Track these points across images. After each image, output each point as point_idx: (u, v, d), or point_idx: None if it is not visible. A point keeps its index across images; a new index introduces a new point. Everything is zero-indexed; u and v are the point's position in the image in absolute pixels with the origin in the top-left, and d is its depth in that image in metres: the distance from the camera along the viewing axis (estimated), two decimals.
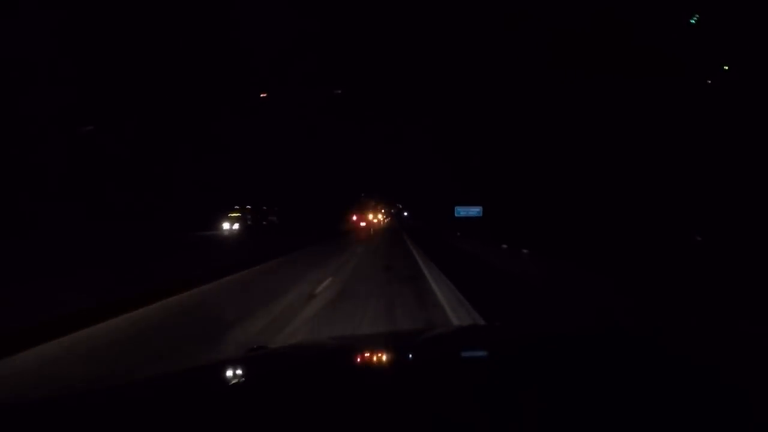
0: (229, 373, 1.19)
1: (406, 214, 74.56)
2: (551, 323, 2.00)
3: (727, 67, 9.53)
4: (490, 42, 16.66)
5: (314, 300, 5.63)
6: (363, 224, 44.87)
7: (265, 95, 17.27)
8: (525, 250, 11.57)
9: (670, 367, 0.97)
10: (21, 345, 3.56)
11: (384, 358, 1.33)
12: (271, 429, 0.75)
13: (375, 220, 63.58)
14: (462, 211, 25.27)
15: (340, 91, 21.27)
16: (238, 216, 29.72)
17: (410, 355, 1.33)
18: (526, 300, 5.63)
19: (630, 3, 10.74)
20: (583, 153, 13.44)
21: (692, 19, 9.66)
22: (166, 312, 5.03)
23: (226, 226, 27.18)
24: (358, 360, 1.33)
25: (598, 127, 12.56)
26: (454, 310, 5.02)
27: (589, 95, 12.63)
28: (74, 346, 3.77)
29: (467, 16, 16.09)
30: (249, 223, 30.84)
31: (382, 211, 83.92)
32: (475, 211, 25.17)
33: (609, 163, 12.32)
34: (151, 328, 4.32)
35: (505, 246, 13.18)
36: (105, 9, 10.75)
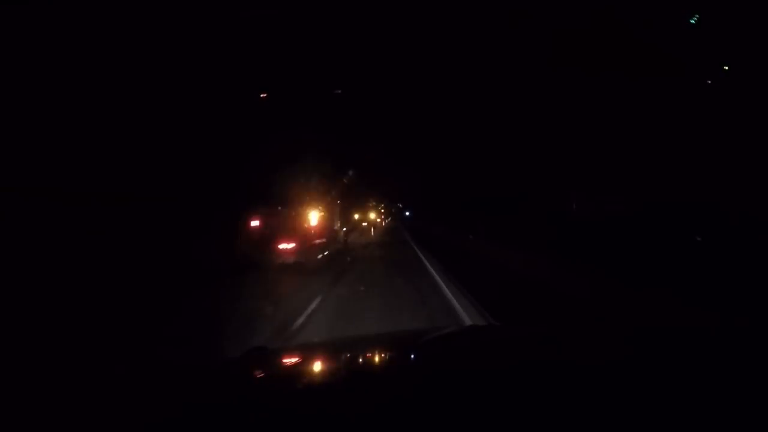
0: (229, 374, 1.19)
1: (407, 213, 68.14)
2: (552, 324, 1.99)
3: (727, 68, 9.52)
4: (490, 40, 16.62)
5: None
6: (289, 247, 11.06)
7: (265, 95, 17.21)
8: None
9: (672, 367, 0.97)
10: None
11: (384, 359, 1.33)
12: (271, 430, 0.75)
13: (365, 224, 43.49)
14: None
15: (340, 91, 21.21)
16: None
17: (411, 356, 1.33)
18: None
19: (630, 2, 10.73)
20: (583, 152, 13.43)
21: (692, 19, 9.64)
22: None
23: None
24: (358, 361, 1.32)
25: (596, 126, 12.56)
26: None
27: (587, 94, 12.63)
28: None
29: (469, 13, 16.06)
30: None
31: (381, 210, 68.06)
32: None
33: (607, 162, 12.32)
34: None
35: None
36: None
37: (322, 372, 1.20)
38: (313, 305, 6.64)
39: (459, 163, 25.53)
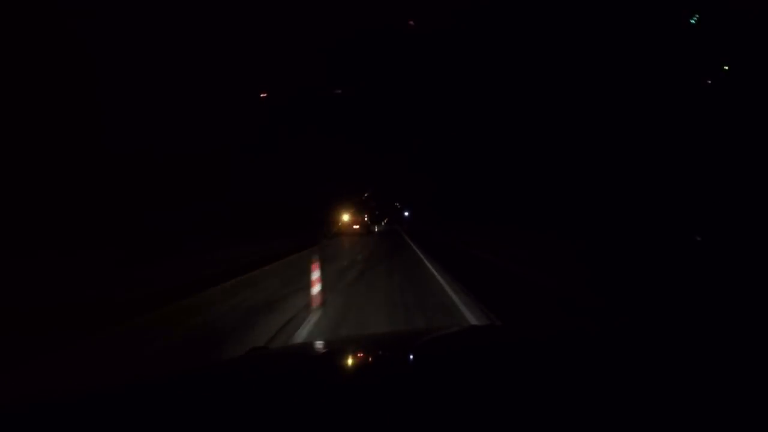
0: (229, 374, 1.19)
1: (406, 214, 63.37)
2: (551, 324, 1.99)
3: (727, 67, 9.53)
4: (488, 37, 16.62)
5: None
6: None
7: (265, 95, 17.22)
8: None
9: (673, 367, 0.97)
10: None
11: (384, 359, 1.33)
12: (271, 429, 0.75)
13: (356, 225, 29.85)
14: None
15: (340, 91, 21.22)
16: None
17: (411, 357, 1.33)
18: None
19: (630, 2, 10.74)
20: (583, 151, 13.42)
21: (692, 20, 9.65)
22: None
23: None
24: (358, 361, 1.32)
25: (596, 126, 12.55)
26: None
27: (586, 94, 12.63)
28: None
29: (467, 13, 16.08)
30: None
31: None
32: None
33: (606, 162, 12.31)
34: None
35: None
36: None
37: (322, 372, 1.20)
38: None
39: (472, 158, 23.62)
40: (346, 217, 31.15)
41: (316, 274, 6.10)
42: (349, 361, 1.33)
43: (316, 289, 6.02)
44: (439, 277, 8.59)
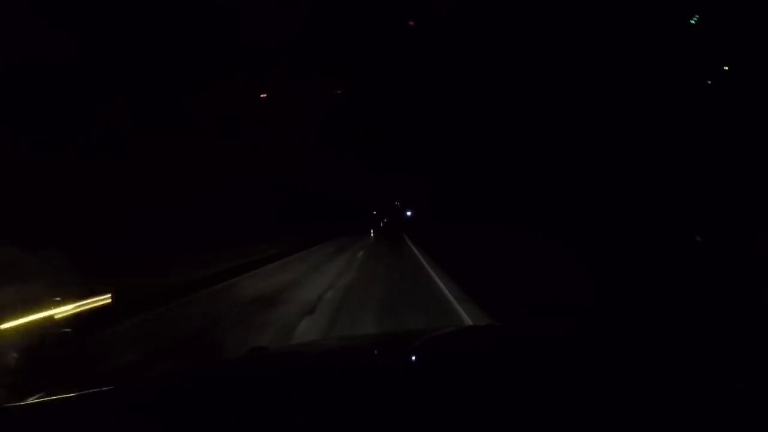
0: (230, 374, 1.19)
1: (408, 213, 58.69)
2: (550, 324, 1.99)
3: (727, 68, 9.51)
4: (488, 35, 16.59)
5: None
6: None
7: (265, 95, 17.18)
8: None
9: (672, 368, 0.98)
10: None
11: (384, 359, 1.33)
12: (271, 429, 0.75)
13: None
14: None
15: (340, 92, 21.20)
16: None
17: (411, 357, 1.33)
18: None
19: (630, 2, 10.72)
20: (583, 151, 13.41)
21: (692, 20, 9.64)
22: None
23: None
24: (358, 362, 1.33)
25: (597, 126, 12.54)
26: None
27: (585, 94, 12.62)
28: None
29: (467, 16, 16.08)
30: None
31: None
32: None
33: (607, 162, 12.31)
34: None
35: None
36: None
37: (321, 372, 1.21)
38: None
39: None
40: None
41: None
42: (348, 362, 1.33)
43: None
44: None
